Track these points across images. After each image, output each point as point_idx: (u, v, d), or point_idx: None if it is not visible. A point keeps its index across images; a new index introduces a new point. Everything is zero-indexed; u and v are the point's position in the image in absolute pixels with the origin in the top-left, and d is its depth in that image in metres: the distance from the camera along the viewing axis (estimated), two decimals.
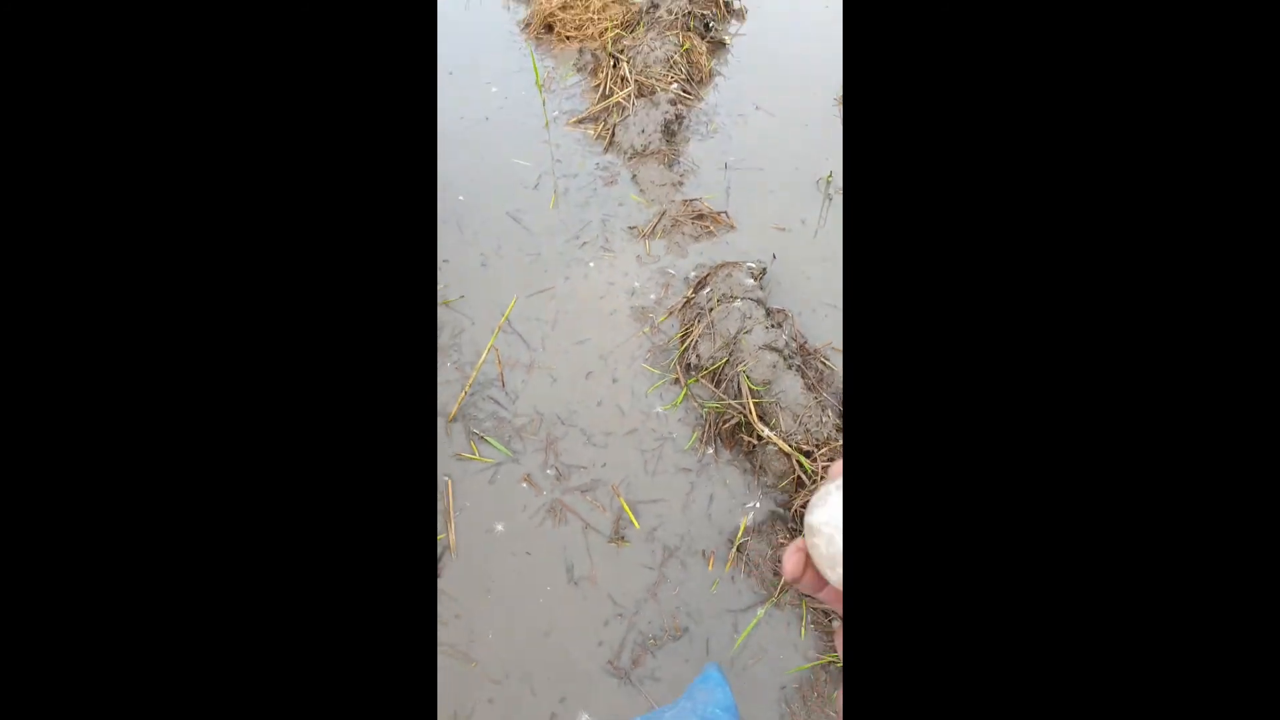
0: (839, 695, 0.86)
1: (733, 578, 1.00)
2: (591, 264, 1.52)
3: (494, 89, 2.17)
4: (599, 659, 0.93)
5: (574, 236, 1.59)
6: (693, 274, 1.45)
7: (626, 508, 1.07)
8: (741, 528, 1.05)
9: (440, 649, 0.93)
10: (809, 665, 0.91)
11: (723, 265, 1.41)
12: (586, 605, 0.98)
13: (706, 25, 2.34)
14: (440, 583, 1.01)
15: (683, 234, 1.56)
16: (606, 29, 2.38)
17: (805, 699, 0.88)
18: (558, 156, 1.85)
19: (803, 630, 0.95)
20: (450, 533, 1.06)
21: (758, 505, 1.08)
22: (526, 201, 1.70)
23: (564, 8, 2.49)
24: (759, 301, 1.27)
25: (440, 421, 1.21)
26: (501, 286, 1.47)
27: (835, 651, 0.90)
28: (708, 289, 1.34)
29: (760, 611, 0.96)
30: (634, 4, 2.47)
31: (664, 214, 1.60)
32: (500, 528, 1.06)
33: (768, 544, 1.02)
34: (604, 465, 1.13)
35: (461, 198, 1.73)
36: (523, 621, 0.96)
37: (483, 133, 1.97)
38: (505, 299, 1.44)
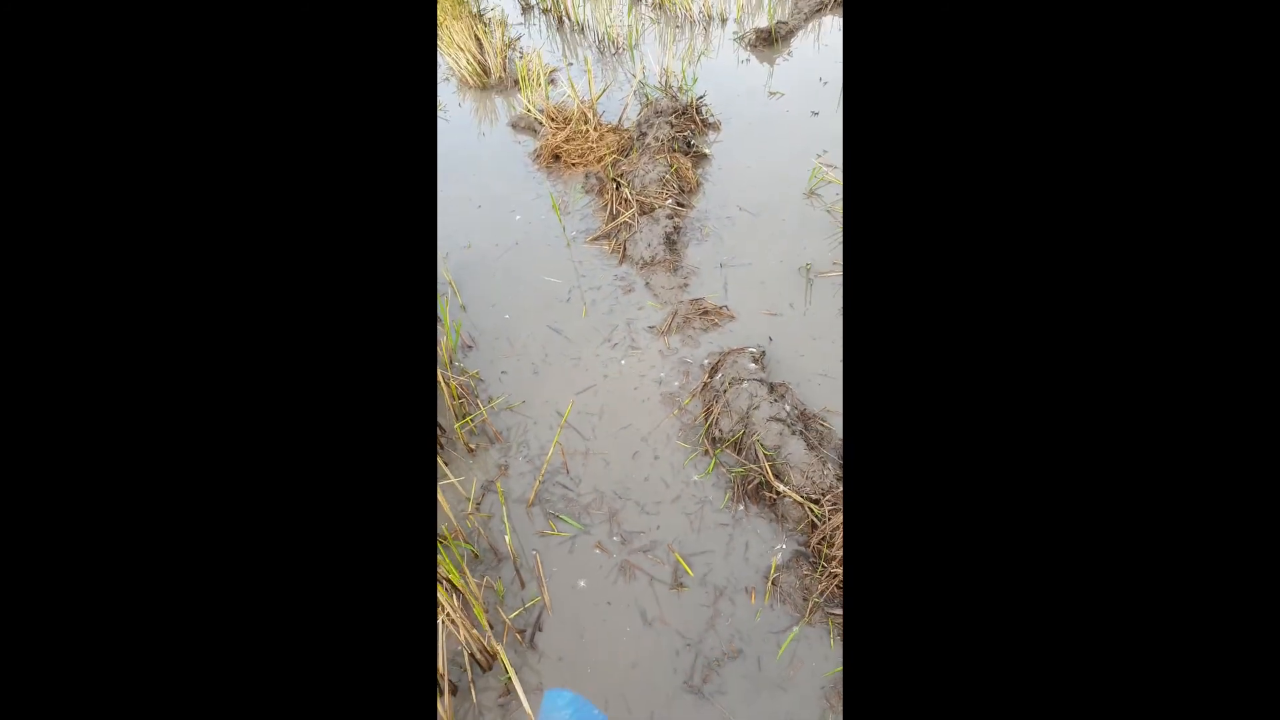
0: None
1: (771, 606, 1.27)
2: (623, 361, 1.86)
3: (518, 216, 2.60)
4: (676, 681, 1.19)
5: (605, 339, 1.94)
6: (706, 361, 1.78)
7: (681, 560, 1.36)
8: (773, 566, 1.32)
9: (552, 683, 1.20)
10: (839, 669, 1.17)
11: (729, 352, 1.74)
12: (660, 641, 1.25)
13: (688, 143, 2.79)
14: (542, 636, 1.28)
15: (693, 328, 1.91)
16: (605, 155, 2.84)
17: (841, 695, 1.13)
18: (581, 272, 2.24)
19: (831, 642, 1.21)
20: (545, 594, 1.34)
21: (783, 547, 1.36)
22: (562, 313, 2.07)
23: (567, 140, 2.96)
24: (762, 380, 1.60)
25: (522, 507, 1.51)
26: (553, 389, 1.81)
27: None
28: (720, 374, 1.67)
29: (795, 630, 1.23)
30: (626, 132, 2.95)
31: (675, 313, 1.96)
32: (583, 584, 1.35)
33: (795, 576, 1.30)
34: (658, 528, 1.43)
35: (507, 316, 2.10)
36: (612, 658, 1.23)
37: (516, 256, 2.37)
38: (557, 399, 1.77)
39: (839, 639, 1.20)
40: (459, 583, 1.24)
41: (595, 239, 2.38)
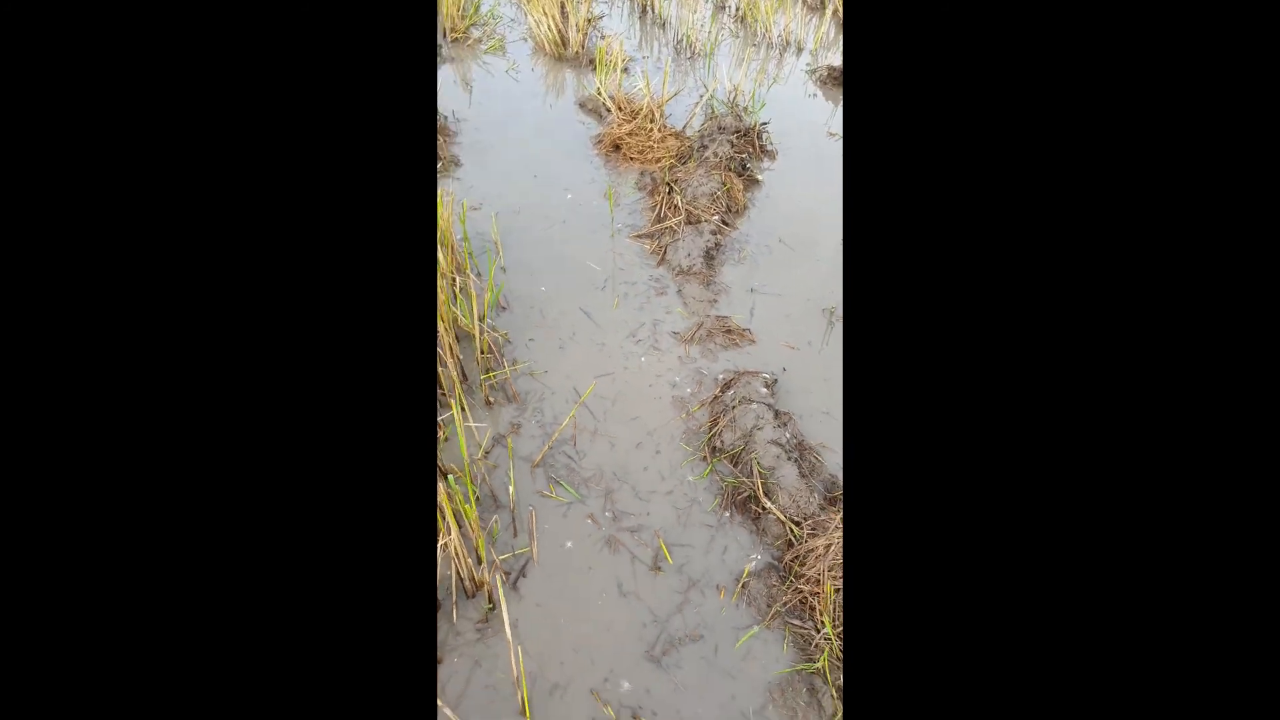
0: (805, 691, 1.26)
1: (737, 605, 1.41)
2: (644, 358, 1.98)
3: (569, 195, 2.70)
4: (639, 649, 1.32)
5: (631, 333, 2.06)
6: (721, 376, 1.91)
7: (664, 547, 1.49)
8: (745, 572, 1.46)
9: (527, 624, 1.32)
10: (786, 670, 1.31)
11: (744, 373, 1.87)
12: (632, 611, 1.38)
13: (744, 165, 2.91)
14: (525, 582, 1.41)
15: (715, 343, 2.03)
16: (663, 158, 2.94)
17: (784, 692, 1.27)
18: (620, 264, 2.35)
19: (784, 648, 1.35)
20: (534, 546, 1.46)
21: (758, 557, 1.50)
22: (595, 299, 2.18)
23: (631, 134, 3.06)
24: (770, 405, 1.73)
25: (527, 465, 1.63)
26: (574, 366, 1.92)
27: (808, 663, 1.30)
28: (732, 391, 1.80)
29: (755, 629, 1.36)
30: (687, 140, 3.06)
31: (701, 325, 2.08)
32: (570, 545, 1.47)
33: (764, 584, 1.44)
34: (648, 514, 1.56)
35: (543, 288, 2.21)
36: (586, 616, 1.36)
37: (561, 233, 2.47)
38: (576, 376, 1.89)
39: (792, 646, 1.34)
40: (471, 516, 1.36)
41: (639, 236, 2.49)
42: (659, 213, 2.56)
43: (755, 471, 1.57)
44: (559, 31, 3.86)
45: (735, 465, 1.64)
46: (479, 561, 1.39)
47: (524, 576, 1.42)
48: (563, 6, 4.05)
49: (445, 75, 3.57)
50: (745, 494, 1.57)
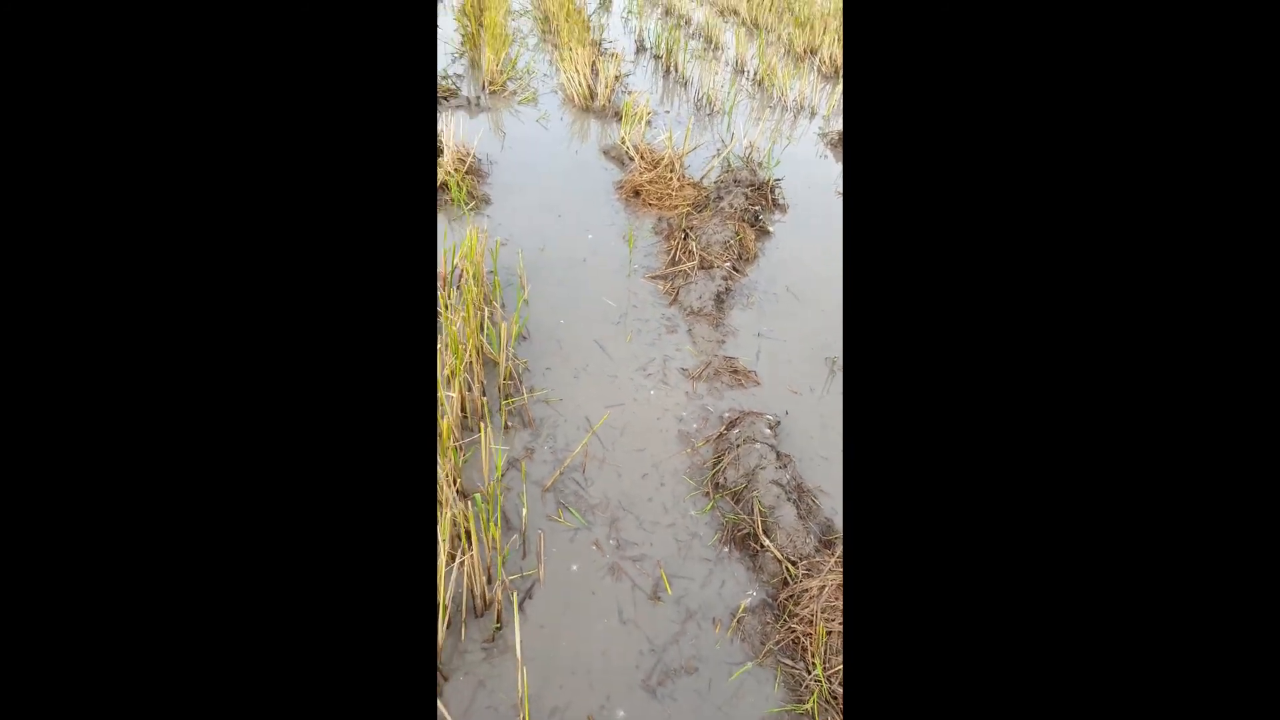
0: None
1: (731, 640, 1.44)
2: (653, 391, 2.06)
3: (590, 236, 2.84)
4: (636, 677, 1.35)
5: (642, 368, 2.15)
6: (726, 414, 1.99)
7: (665, 578, 1.54)
8: (741, 608, 1.50)
9: (531, 643, 1.36)
10: (776, 710, 1.34)
11: (749, 413, 1.95)
12: (630, 639, 1.42)
13: (757, 216, 3.06)
14: (531, 603, 1.45)
15: (721, 382, 2.12)
16: (680, 205, 3.10)
17: None
18: (634, 302, 2.46)
19: (775, 687, 1.38)
20: (541, 569, 1.52)
21: (754, 594, 1.54)
22: (610, 333, 2.28)
23: (651, 182, 3.23)
24: (772, 447, 1.80)
25: (538, 489, 1.69)
26: (587, 396, 2.01)
27: (798, 704, 1.33)
28: (736, 430, 1.88)
29: (748, 665, 1.40)
30: (704, 189, 3.23)
31: (709, 364, 2.18)
32: (575, 568, 1.52)
33: (759, 621, 1.48)
34: (651, 544, 1.61)
35: (562, 321, 2.32)
36: (586, 640, 1.40)
37: (581, 271, 2.60)
38: (588, 406, 1.97)
39: (783, 686, 1.37)
40: (494, 535, 1.42)
41: (654, 277, 2.62)
42: (674, 256, 2.70)
43: (756, 510, 1.63)
44: (588, 86, 4.11)
45: (736, 502, 1.69)
46: (490, 580, 1.44)
47: (530, 598, 1.47)
48: (594, 64, 4.33)
49: (481, 122, 3.80)
50: (745, 531, 1.63)
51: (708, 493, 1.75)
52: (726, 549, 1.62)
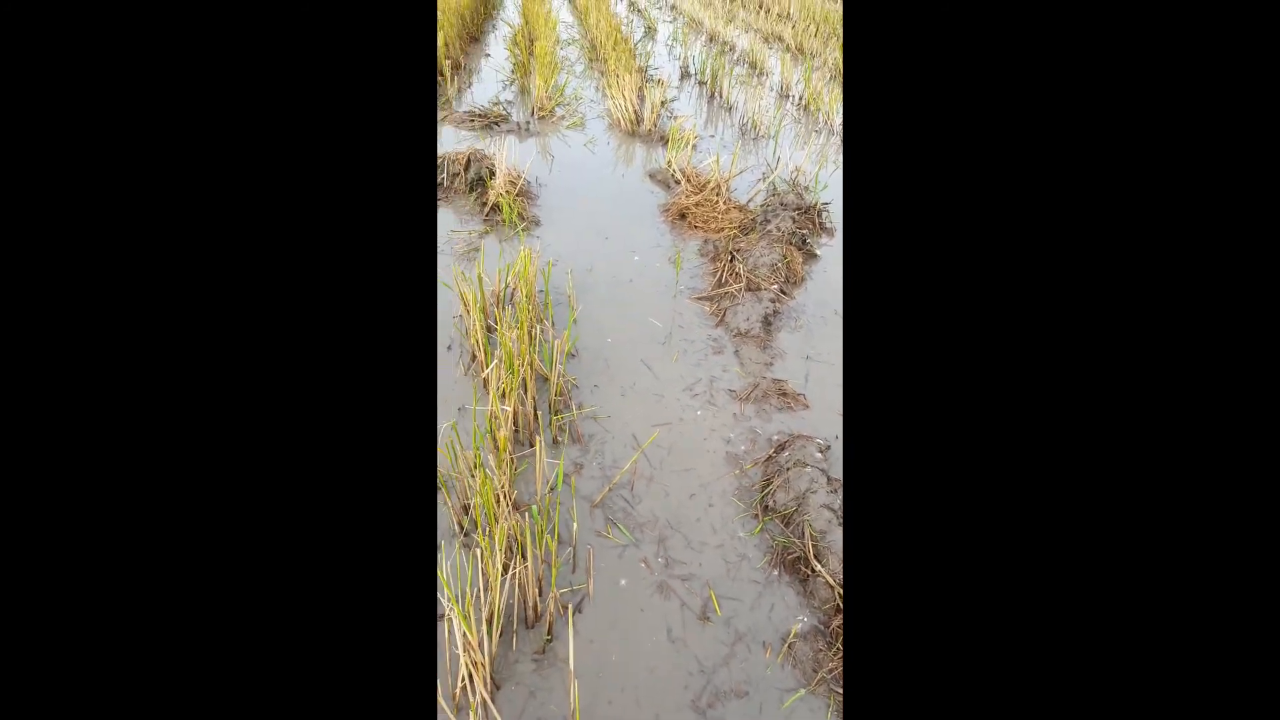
0: None
1: (782, 665, 1.42)
2: (699, 412, 2.07)
3: (636, 258, 2.90)
4: (685, 698, 1.35)
5: (688, 388, 2.17)
6: (775, 437, 1.98)
7: (714, 598, 1.53)
8: (792, 632, 1.48)
9: (581, 659, 1.37)
10: None
11: (799, 436, 1.93)
12: (679, 659, 1.41)
13: (804, 240, 3.06)
14: (580, 618, 1.47)
15: (769, 404, 2.11)
16: (727, 228, 3.13)
17: None
18: (680, 323, 2.49)
19: (828, 716, 1.35)
20: (590, 584, 1.53)
21: (805, 619, 1.51)
22: (656, 353, 2.31)
23: (697, 205, 3.27)
24: (823, 471, 1.78)
25: (587, 505, 1.72)
26: (633, 415, 2.03)
27: None
28: (786, 452, 1.86)
29: (800, 692, 1.37)
30: (750, 212, 3.25)
31: (757, 386, 2.17)
32: (624, 584, 1.53)
33: (810, 647, 1.45)
34: (699, 564, 1.61)
35: (609, 340, 2.36)
36: (635, 656, 1.40)
37: (628, 291, 2.64)
38: (635, 424, 1.99)
39: (836, 715, 1.34)
40: (551, 547, 1.44)
41: (700, 298, 2.64)
42: (720, 278, 2.72)
43: (807, 534, 1.61)
44: (634, 111, 4.22)
45: (786, 525, 1.68)
46: (541, 592, 1.46)
47: (579, 612, 1.48)
48: (640, 90, 4.45)
49: (530, 146, 3.94)
50: (794, 555, 1.61)
51: (756, 515, 1.74)
52: (776, 572, 1.60)
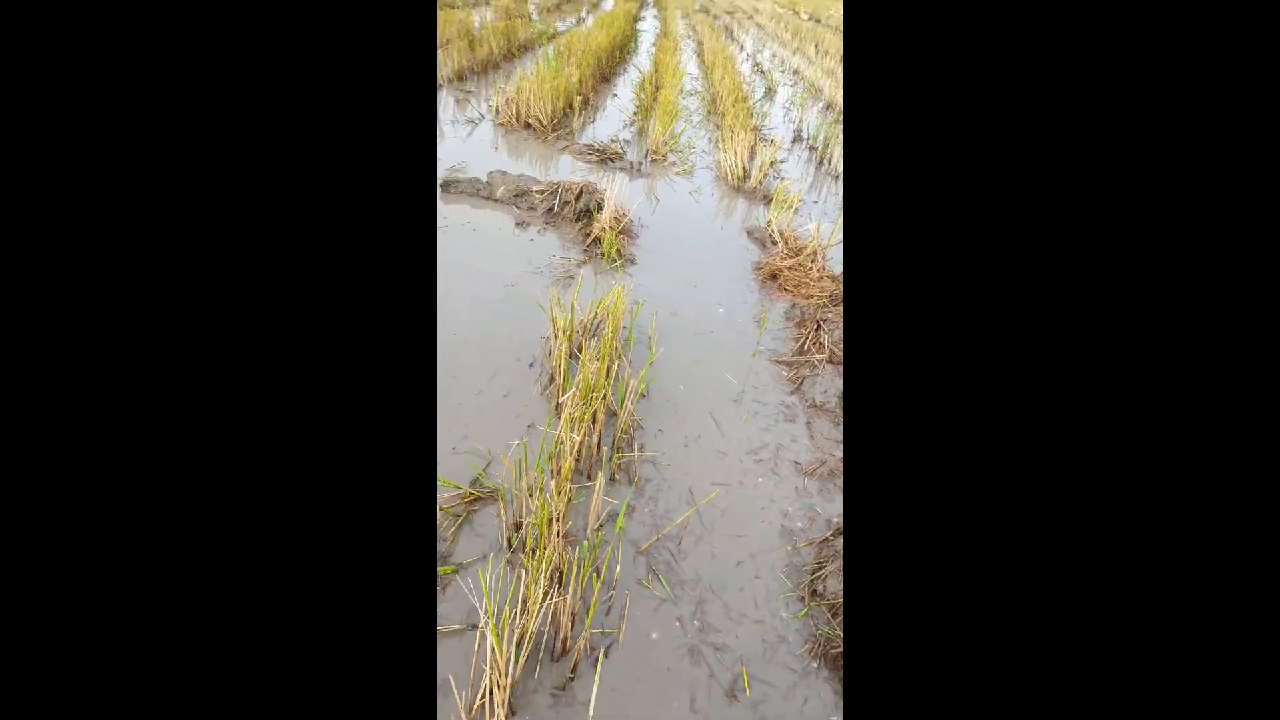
0: None
1: None
2: (761, 479, 2.03)
3: (721, 310, 2.92)
4: None
5: (752, 451, 2.14)
6: (835, 520, 1.91)
7: (745, 676, 1.47)
8: None
9: (601, 707, 1.35)
10: None
11: None
12: None
13: None
14: (606, 663, 1.45)
15: (834, 485, 2.04)
16: (816, 296, 3.11)
17: None
18: (755, 383, 2.47)
19: None
20: (622, 630, 1.52)
21: None
22: (726, 410, 2.30)
23: (790, 268, 3.28)
24: None
25: (632, 550, 1.72)
26: (693, 467, 2.02)
27: None
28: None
29: None
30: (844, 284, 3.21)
31: (824, 463, 2.11)
32: (655, 637, 1.51)
33: None
34: (735, 637, 1.56)
35: (681, 387, 2.38)
36: (663, 714, 1.37)
37: (707, 342, 2.67)
38: (694, 476, 1.98)
39: None
40: (596, 583, 1.46)
41: (778, 361, 2.62)
42: (803, 345, 2.69)
43: None
44: (744, 167, 4.32)
45: (834, 617, 1.60)
46: (573, 626, 1.47)
47: (606, 657, 1.47)
48: (752, 148, 4.56)
49: (638, 186, 4.11)
50: (838, 650, 1.52)
51: (803, 598, 1.67)
52: (815, 664, 1.52)
